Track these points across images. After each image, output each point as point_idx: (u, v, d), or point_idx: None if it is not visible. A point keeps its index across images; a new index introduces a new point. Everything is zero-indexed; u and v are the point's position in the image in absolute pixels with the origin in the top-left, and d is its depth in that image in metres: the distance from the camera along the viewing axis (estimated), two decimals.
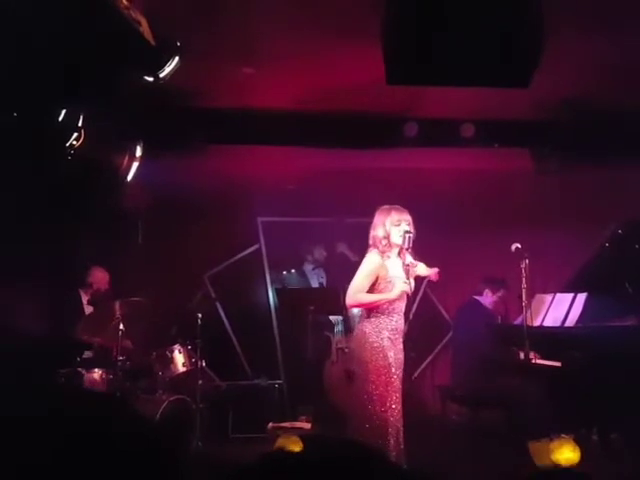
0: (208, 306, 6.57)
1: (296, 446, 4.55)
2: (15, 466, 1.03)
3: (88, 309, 5.91)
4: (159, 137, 5.54)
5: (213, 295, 7.17)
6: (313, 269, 7.32)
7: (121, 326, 5.29)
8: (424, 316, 6.63)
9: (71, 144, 4.32)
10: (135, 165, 5.01)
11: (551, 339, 5.16)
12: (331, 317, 6.64)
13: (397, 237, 4.36)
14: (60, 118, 4.18)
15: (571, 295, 5.31)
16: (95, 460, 1.06)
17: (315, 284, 7.25)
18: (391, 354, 4.29)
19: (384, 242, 4.38)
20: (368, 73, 4.52)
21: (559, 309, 5.32)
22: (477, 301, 6.19)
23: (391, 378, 4.26)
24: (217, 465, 5.44)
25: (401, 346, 4.39)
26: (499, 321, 6.23)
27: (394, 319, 4.36)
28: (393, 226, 4.37)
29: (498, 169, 6.68)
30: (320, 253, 7.30)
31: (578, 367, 4.80)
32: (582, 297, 5.19)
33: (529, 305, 5.07)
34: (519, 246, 5.07)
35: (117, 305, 5.33)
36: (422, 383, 7.19)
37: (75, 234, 6.04)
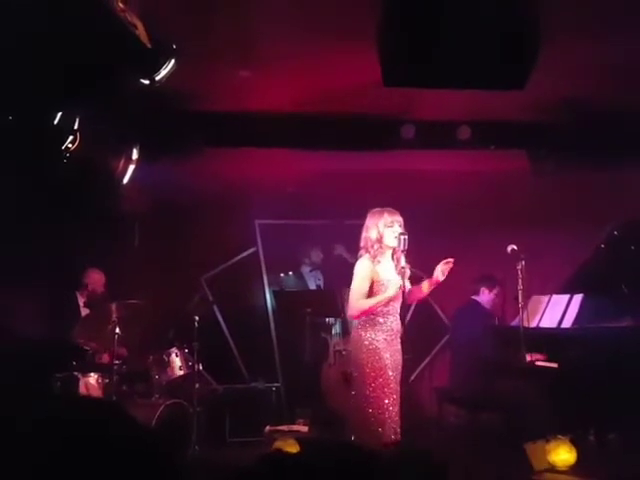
0: (205, 309, 6.56)
1: (293, 449, 4.54)
2: (11, 471, 1.03)
3: (84, 311, 5.89)
4: (156, 140, 5.54)
5: (210, 298, 7.15)
6: (310, 271, 7.31)
7: (117, 329, 5.28)
8: (421, 318, 6.62)
9: (67, 147, 4.31)
10: (131, 168, 5.01)
11: (548, 340, 5.16)
12: (328, 319, 6.63)
13: (390, 239, 4.35)
14: (56, 121, 4.17)
15: (567, 296, 5.32)
16: (92, 465, 1.05)
17: (312, 286, 7.24)
18: (387, 355, 4.28)
19: (376, 245, 4.37)
20: (365, 75, 4.52)
21: (555, 310, 5.33)
22: (475, 301, 6.20)
23: (387, 380, 4.25)
24: (214, 469, 5.43)
25: (398, 347, 4.38)
26: (497, 321, 6.24)
27: (389, 320, 4.35)
28: (386, 228, 4.36)
29: (495, 171, 6.68)
30: (317, 255, 7.29)
31: (575, 368, 4.81)
32: (578, 298, 5.21)
33: (526, 306, 5.08)
34: (515, 247, 5.08)
35: (113, 308, 5.31)
36: (419, 385, 7.18)
37: (72, 236, 6.02)
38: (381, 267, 4.38)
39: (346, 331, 6.51)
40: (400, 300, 4.39)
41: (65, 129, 4.28)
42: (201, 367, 5.84)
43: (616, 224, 5.26)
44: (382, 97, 5.01)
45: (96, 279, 5.99)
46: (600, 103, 5.50)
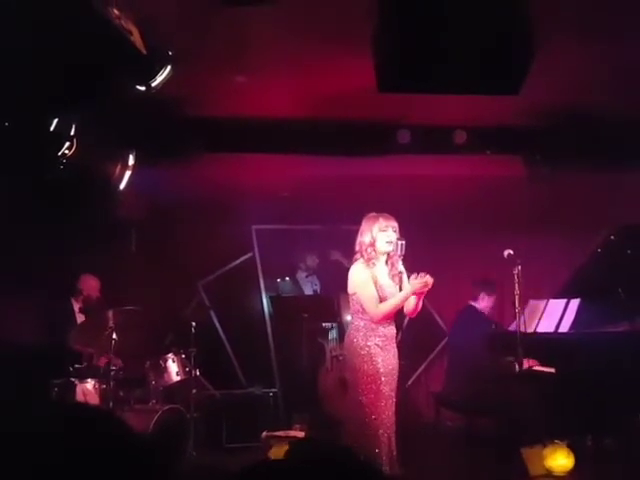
0: (202, 314, 6.57)
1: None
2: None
3: (80, 317, 5.89)
4: (153, 145, 5.55)
5: (207, 303, 7.15)
6: (306, 277, 7.32)
7: (114, 335, 5.27)
8: (418, 323, 6.62)
9: (63, 153, 4.32)
10: (128, 174, 5.02)
11: (545, 345, 5.17)
12: (325, 324, 6.63)
13: (383, 244, 4.36)
14: (52, 127, 4.18)
15: (564, 301, 5.32)
16: (88, 475, 1.05)
17: (309, 292, 7.24)
18: (379, 360, 4.27)
19: (370, 249, 4.37)
20: (360, 81, 4.53)
21: (552, 315, 5.33)
22: (473, 307, 6.20)
23: (380, 385, 4.24)
24: (211, 474, 5.42)
25: (394, 352, 4.38)
26: (495, 326, 6.25)
27: (383, 325, 4.35)
28: (380, 232, 4.37)
29: (491, 176, 6.70)
30: (312, 260, 7.30)
31: (572, 373, 4.81)
32: (575, 303, 5.21)
33: (522, 311, 5.08)
34: (512, 252, 5.09)
35: (110, 314, 5.30)
36: (416, 390, 7.18)
37: (68, 242, 6.03)
38: (376, 271, 4.39)
39: (343, 336, 6.50)
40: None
41: (62, 135, 4.29)
42: (198, 372, 5.83)
43: (612, 229, 5.27)
44: (378, 102, 5.02)
45: (91, 285, 5.99)
46: (595, 108, 5.51)
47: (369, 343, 4.29)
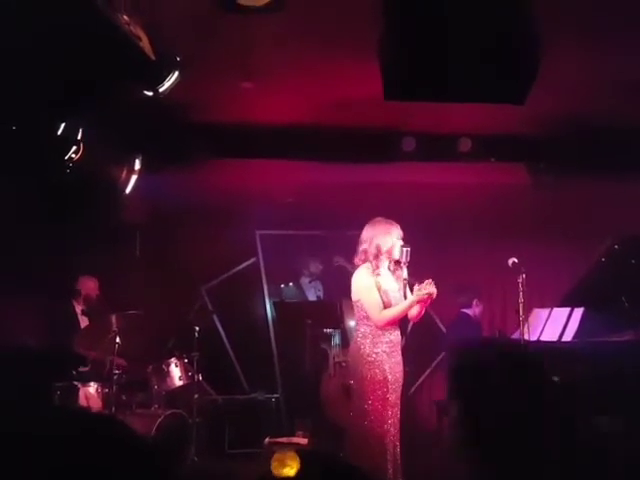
0: (205, 319, 6.57)
1: (292, 461, 4.52)
2: None
3: (82, 319, 5.90)
4: (158, 151, 5.57)
5: (210, 308, 7.16)
6: (310, 282, 7.31)
7: (117, 339, 5.28)
8: (421, 330, 6.62)
9: (70, 157, 4.33)
10: (134, 178, 5.04)
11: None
12: (328, 330, 6.62)
13: (388, 249, 4.36)
14: (59, 131, 4.20)
15: (568, 310, 5.31)
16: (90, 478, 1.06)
17: (312, 297, 7.24)
18: (386, 367, 4.26)
19: (375, 255, 4.37)
20: (366, 88, 4.55)
21: (556, 324, 5.32)
22: (467, 315, 6.20)
23: (387, 393, 4.23)
24: None
25: (399, 359, 4.37)
26: (497, 334, 6.24)
27: (389, 331, 4.34)
28: (385, 239, 4.37)
29: (495, 183, 6.71)
30: (316, 266, 7.29)
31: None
32: (579, 312, 5.20)
33: (526, 320, 5.07)
34: (516, 260, 5.08)
35: (114, 319, 5.31)
36: (419, 398, 7.17)
37: (73, 246, 6.04)
38: (380, 277, 4.39)
39: (346, 342, 6.50)
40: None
41: (68, 139, 4.31)
42: (201, 377, 5.84)
43: (616, 237, 5.26)
44: (383, 109, 5.03)
45: (90, 285, 6.01)
46: (600, 117, 5.53)
47: (376, 350, 4.27)
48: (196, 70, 4.22)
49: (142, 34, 3.39)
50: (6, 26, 3.10)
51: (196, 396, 5.71)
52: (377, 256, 4.36)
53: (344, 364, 6.30)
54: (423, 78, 3.86)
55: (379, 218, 4.48)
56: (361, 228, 4.62)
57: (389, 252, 4.36)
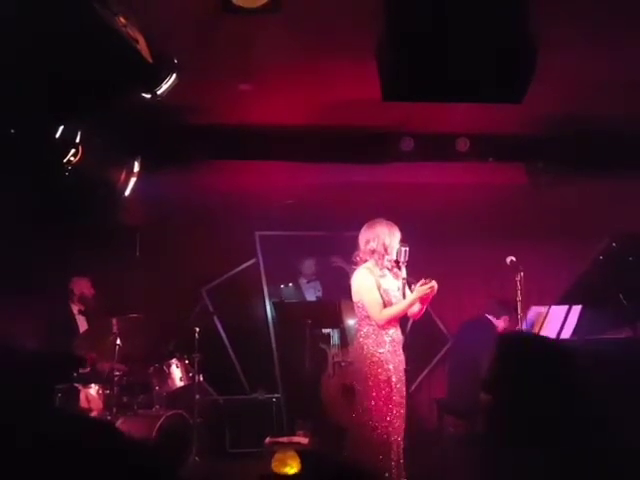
0: (206, 320, 6.59)
1: (293, 461, 4.54)
2: None
3: (80, 319, 5.92)
4: (158, 153, 5.58)
5: (211, 309, 7.17)
6: (308, 282, 7.33)
7: (118, 341, 5.29)
8: (420, 329, 6.63)
9: (69, 160, 4.35)
10: (133, 180, 5.05)
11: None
12: (327, 330, 6.64)
13: (389, 250, 4.39)
14: (58, 134, 4.21)
15: (566, 308, 5.33)
16: None
17: (312, 297, 7.25)
18: (391, 367, 4.29)
19: (375, 255, 4.40)
20: (364, 89, 4.56)
21: (554, 322, 5.34)
22: (490, 321, 6.13)
23: (391, 392, 4.25)
24: None
25: (402, 357, 4.39)
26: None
27: (391, 331, 4.36)
28: (386, 239, 4.40)
29: (493, 183, 6.72)
30: (314, 267, 7.31)
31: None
32: (577, 310, 5.22)
33: (524, 317, 5.09)
34: (514, 259, 5.10)
35: (114, 321, 5.32)
36: (419, 396, 7.17)
37: (72, 248, 6.06)
38: (380, 276, 4.41)
39: (345, 342, 6.53)
40: None
41: (67, 142, 4.32)
42: (201, 378, 5.85)
43: (614, 236, 5.28)
44: (381, 110, 5.05)
45: (83, 284, 6.04)
46: (598, 117, 5.54)
47: (379, 350, 4.29)
48: (194, 72, 4.24)
49: (139, 36, 3.40)
50: (3, 29, 3.11)
51: (197, 397, 5.73)
52: (383, 255, 4.39)
53: (343, 364, 6.32)
54: (421, 78, 3.88)
55: (380, 219, 4.51)
56: (360, 228, 4.64)
57: (392, 252, 4.40)
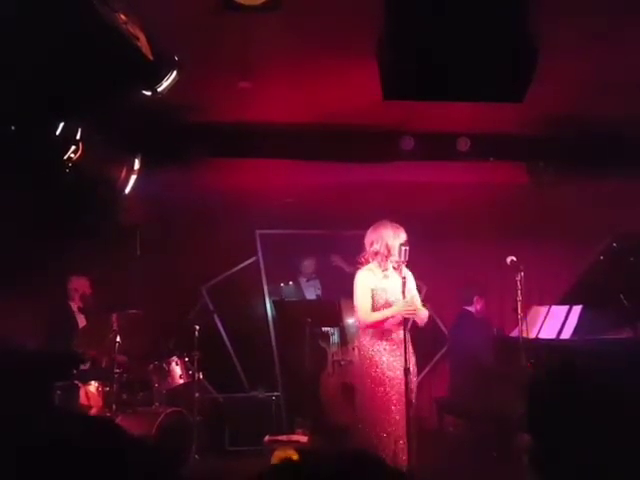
0: (206, 318, 6.59)
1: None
2: None
3: (80, 317, 5.93)
4: (158, 150, 5.58)
5: (211, 307, 7.18)
6: (307, 281, 7.33)
7: (118, 338, 5.30)
8: (421, 328, 6.64)
9: (69, 157, 4.34)
10: (133, 178, 5.05)
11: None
12: (327, 329, 6.64)
13: (394, 251, 4.42)
14: (58, 131, 4.21)
15: (566, 307, 5.32)
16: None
17: (312, 296, 7.25)
18: (390, 366, 4.31)
19: (379, 257, 4.42)
20: (365, 87, 4.56)
21: (555, 321, 5.34)
22: (469, 312, 6.20)
23: (391, 391, 4.28)
24: (214, 478, 5.44)
25: (402, 357, 4.41)
26: (494, 329, 6.25)
27: (394, 330, 4.39)
28: (390, 240, 4.43)
29: (494, 183, 6.72)
30: (310, 266, 7.31)
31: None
32: (577, 309, 5.21)
33: (525, 317, 5.09)
34: (514, 259, 5.09)
35: (114, 318, 5.33)
36: (419, 395, 7.16)
37: (72, 247, 6.06)
38: (381, 278, 4.44)
39: (344, 341, 6.53)
40: None
41: (67, 139, 4.32)
42: (201, 376, 5.86)
43: (615, 236, 5.28)
44: (381, 109, 5.04)
45: (81, 283, 6.07)
46: (599, 116, 5.53)
47: (380, 348, 4.33)
48: (194, 69, 4.24)
49: (140, 33, 3.40)
50: (3, 27, 3.11)
51: (197, 394, 5.73)
52: (386, 257, 4.43)
53: (342, 363, 6.32)
54: (422, 77, 3.88)
55: (385, 220, 4.56)
56: (360, 228, 4.66)
57: (383, 252, 4.43)
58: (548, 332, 5.34)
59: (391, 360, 4.35)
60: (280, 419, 6.61)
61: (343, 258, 6.77)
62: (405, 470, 4.26)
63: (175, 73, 3.78)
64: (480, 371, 5.64)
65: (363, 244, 4.61)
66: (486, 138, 6.04)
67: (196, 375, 5.74)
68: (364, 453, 1.15)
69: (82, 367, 5.55)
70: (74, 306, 5.99)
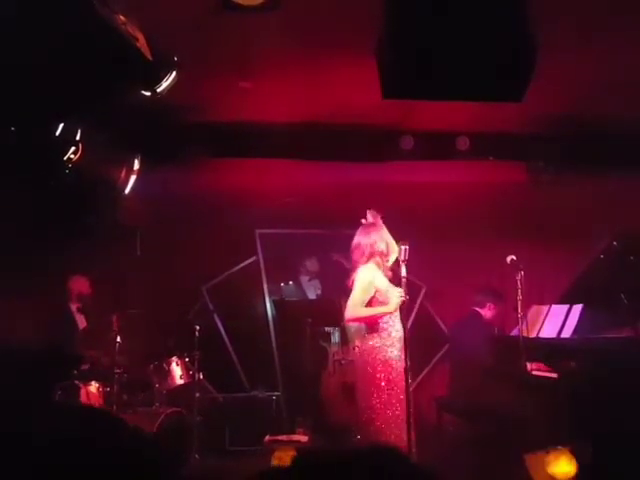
0: (206, 318, 6.59)
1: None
2: None
3: (79, 317, 5.93)
4: (157, 150, 5.58)
5: (211, 307, 7.17)
6: (309, 280, 7.33)
7: (118, 338, 5.30)
8: (421, 327, 6.64)
9: (69, 158, 4.35)
10: (133, 178, 5.05)
11: (547, 350, 5.17)
12: (327, 328, 6.64)
13: (394, 249, 4.43)
14: (58, 132, 4.21)
15: (567, 307, 5.32)
16: (92, 476, 1.06)
17: (312, 295, 7.25)
18: (392, 364, 4.32)
19: (381, 255, 4.43)
20: (364, 87, 4.56)
21: (555, 320, 5.34)
22: (478, 313, 6.18)
23: (391, 390, 4.28)
24: (214, 478, 5.44)
25: (402, 355, 4.42)
26: (496, 331, 6.25)
27: (395, 328, 4.41)
28: (391, 239, 4.45)
29: (493, 182, 6.72)
30: (312, 265, 7.30)
31: (575, 378, 4.81)
32: (578, 308, 5.21)
33: (525, 317, 5.09)
34: (514, 258, 5.10)
35: (114, 318, 5.33)
36: (419, 395, 7.17)
37: (73, 247, 6.06)
38: (382, 276, 4.45)
39: (345, 340, 6.52)
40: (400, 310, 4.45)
41: (67, 140, 4.32)
42: (201, 376, 5.85)
43: (615, 234, 5.28)
44: (381, 108, 5.05)
45: (80, 283, 6.06)
46: (598, 116, 5.53)
47: (383, 347, 4.34)
48: (194, 70, 4.24)
49: (139, 34, 3.40)
50: (3, 27, 3.11)
51: (197, 394, 5.73)
52: (387, 254, 4.45)
53: (343, 362, 6.32)
54: (421, 76, 3.88)
55: (376, 220, 4.57)
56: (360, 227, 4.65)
57: (383, 250, 4.45)
58: (548, 331, 5.34)
59: (392, 359, 4.35)
60: (280, 419, 6.61)
61: (344, 257, 6.77)
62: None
63: (174, 73, 3.79)
64: (480, 370, 5.64)
65: (358, 244, 4.60)
66: (486, 137, 6.05)
67: (196, 375, 5.74)
68: (395, 450, 1.14)
69: (82, 367, 5.54)
70: (73, 307, 5.99)
